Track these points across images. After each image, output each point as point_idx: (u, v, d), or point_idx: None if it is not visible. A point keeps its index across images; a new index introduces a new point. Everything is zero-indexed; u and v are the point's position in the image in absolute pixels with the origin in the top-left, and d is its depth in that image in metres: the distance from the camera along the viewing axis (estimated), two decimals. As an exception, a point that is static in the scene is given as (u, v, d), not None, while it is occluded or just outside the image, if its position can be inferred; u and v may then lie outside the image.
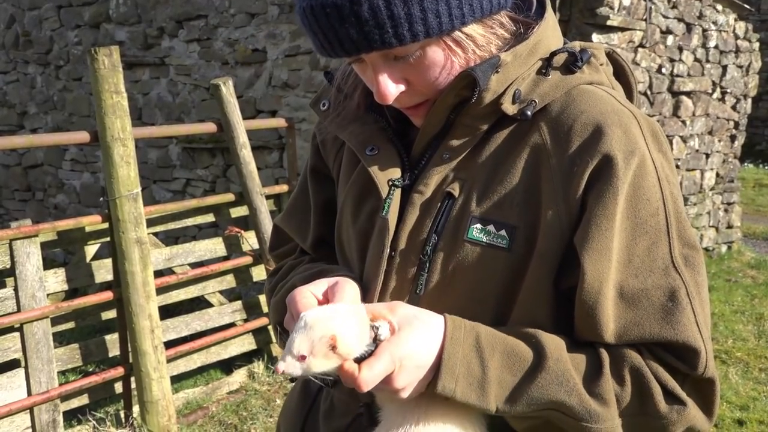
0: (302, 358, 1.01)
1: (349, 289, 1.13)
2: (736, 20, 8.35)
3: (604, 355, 1.08)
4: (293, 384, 1.49)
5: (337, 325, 1.01)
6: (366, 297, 1.19)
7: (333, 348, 0.99)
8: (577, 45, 1.21)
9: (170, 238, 7.05)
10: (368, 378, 1.00)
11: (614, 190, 1.07)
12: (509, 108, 1.14)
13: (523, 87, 1.15)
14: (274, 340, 5.31)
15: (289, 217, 1.50)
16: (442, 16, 1.05)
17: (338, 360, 1.01)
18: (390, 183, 1.20)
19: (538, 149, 1.13)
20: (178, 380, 4.93)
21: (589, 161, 1.08)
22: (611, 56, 1.28)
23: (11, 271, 3.93)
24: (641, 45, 6.83)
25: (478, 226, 1.13)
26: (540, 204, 1.11)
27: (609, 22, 6.20)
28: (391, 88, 1.13)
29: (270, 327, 5.23)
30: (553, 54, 1.17)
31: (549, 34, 1.20)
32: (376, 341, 1.03)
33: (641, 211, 1.08)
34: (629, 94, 1.29)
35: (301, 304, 1.10)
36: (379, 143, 1.24)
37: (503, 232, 1.12)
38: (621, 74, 1.29)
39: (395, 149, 1.24)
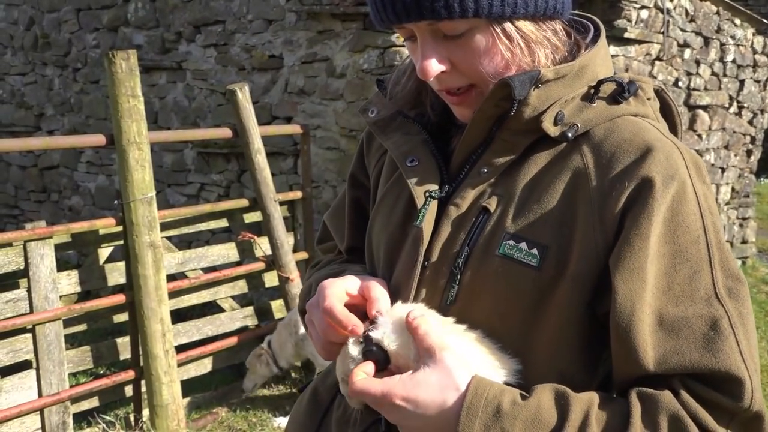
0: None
1: (383, 291, 1.21)
2: (754, 35, 8.31)
3: (635, 403, 1.03)
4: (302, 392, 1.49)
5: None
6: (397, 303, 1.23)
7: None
8: (626, 76, 1.21)
9: (183, 243, 7.05)
10: (357, 389, 1.09)
11: (649, 210, 1.06)
12: (550, 129, 1.15)
13: (567, 110, 1.16)
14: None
15: (332, 216, 1.55)
16: None
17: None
18: (426, 194, 1.22)
19: (579, 173, 1.14)
20: (188, 384, 4.93)
21: (627, 184, 1.09)
22: (659, 93, 1.27)
23: (25, 272, 3.95)
24: (658, 58, 6.81)
25: (511, 242, 1.14)
26: (575, 226, 1.12)
27: (626, 35, 6.18)
28: (433, 65, 1.14)
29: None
30: (601, 82, 1.18)
31: (598, 62, 1.21)
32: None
33: (680, 238, 1.07)
34: (674, 132, 1.28)
35: (330, 299, 1.19)
36: (420, 155, 1.27)
37: (534, 251, 1.13)
38: (668, 113, 1.28)
39: (435, 161, 1.27)
